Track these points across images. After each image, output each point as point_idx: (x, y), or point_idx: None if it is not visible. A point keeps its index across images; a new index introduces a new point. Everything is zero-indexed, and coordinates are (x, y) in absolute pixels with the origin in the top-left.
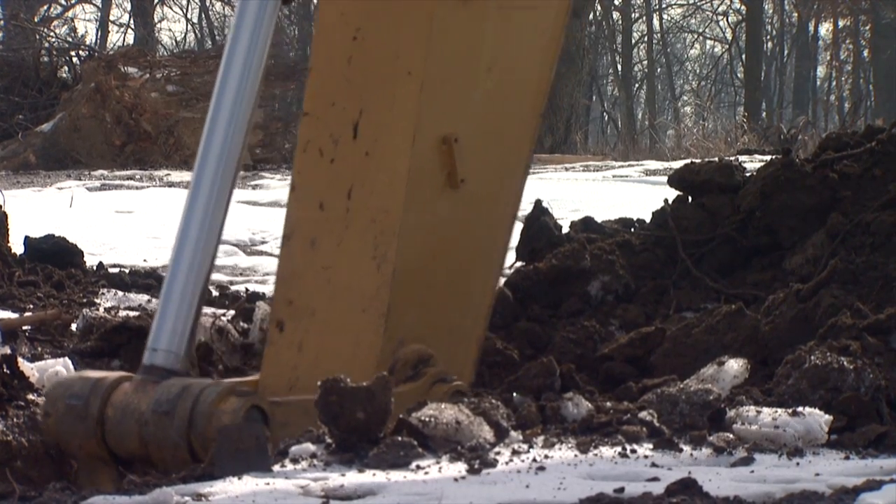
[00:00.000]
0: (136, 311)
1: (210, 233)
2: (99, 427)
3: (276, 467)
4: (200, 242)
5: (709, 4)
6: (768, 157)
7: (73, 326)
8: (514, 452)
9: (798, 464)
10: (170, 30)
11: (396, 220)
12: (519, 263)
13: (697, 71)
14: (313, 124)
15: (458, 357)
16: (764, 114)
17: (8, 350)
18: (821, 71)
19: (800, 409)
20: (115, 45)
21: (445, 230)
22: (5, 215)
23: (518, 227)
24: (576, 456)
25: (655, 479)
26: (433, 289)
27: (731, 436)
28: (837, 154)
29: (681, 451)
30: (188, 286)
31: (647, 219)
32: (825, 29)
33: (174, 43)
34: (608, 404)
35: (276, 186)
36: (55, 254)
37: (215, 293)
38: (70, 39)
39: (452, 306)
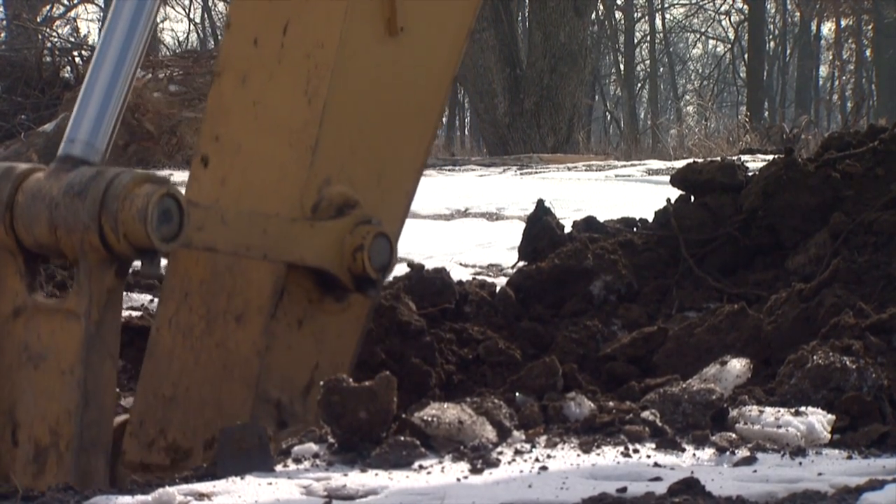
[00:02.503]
0: (138, 311)
1: (139, 32)
2: (8, 212)
3: (279, 467)
4: (129, 39)
5: (711, 4)
6: (771, 157)
7: None
8: (517, 452)
9: (801, 463)
10: (172, 30)
11: (331, 56)
12: (521, 263)
13: (700, 70)
14: None
15: (386, 207)
16: (766, 113)
17: None
18: (823, 70)
19: (802, 408)
20: None
21: (381, 76)
22: None
23: (521, 227)
24: (578, 456)
25: (658, 478)
26: (364, 133)
27: (734, 435)
28: (840, 153)
29: (683, 450)
30: (113, 81)
31: (650, 218)
32: (827, 28)
33: (176, 43)
34: (610, 404)
35: None
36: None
37: None
38: (72, 39)
39: (383, 154)
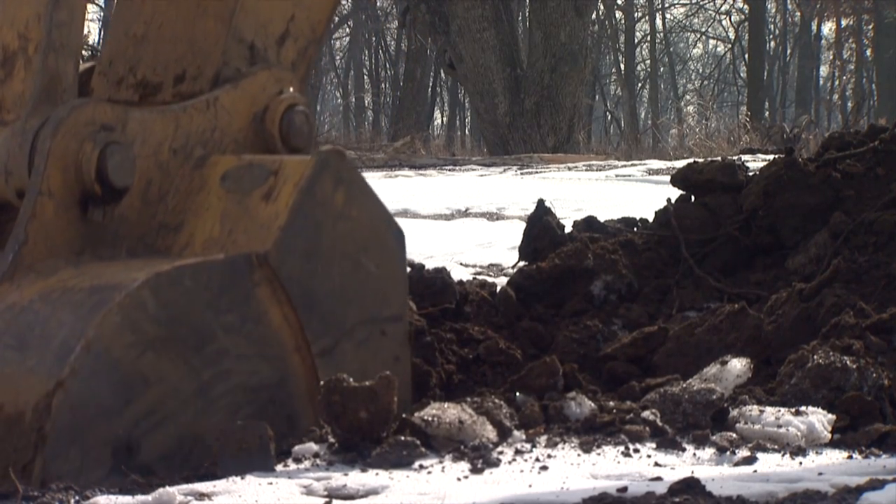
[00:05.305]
0: None
1: None
2: None
3: (279, 467)
4: None
5: (711, 4)
6: (771, 157)
7: None
8: (517, 452)
9: (801, 463)
10: None
11: None
12: (522, 263)
13: (700, 70)
14: None
15: None
16: (766, 113)
17: None
18: (823, 70)
19: (803, 408)
20: None
21: None
22: None
23: (521, 227)
24: (579, 455)
25: (658, 478)
26: None
27: (734, 435)
28: (840, 153)
29: (684, 450)
30: None
31: (650, 218)
32: (828, 28)
33: None
34: (611, 404)
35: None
36: None
37: None
38: None
39: None
